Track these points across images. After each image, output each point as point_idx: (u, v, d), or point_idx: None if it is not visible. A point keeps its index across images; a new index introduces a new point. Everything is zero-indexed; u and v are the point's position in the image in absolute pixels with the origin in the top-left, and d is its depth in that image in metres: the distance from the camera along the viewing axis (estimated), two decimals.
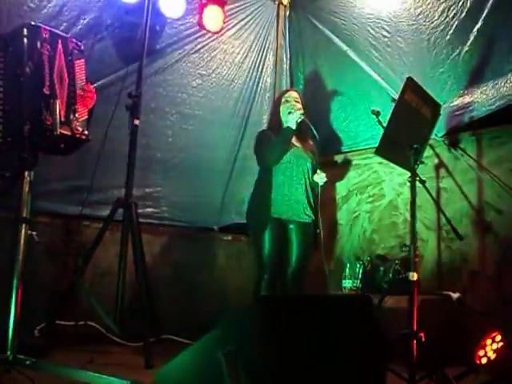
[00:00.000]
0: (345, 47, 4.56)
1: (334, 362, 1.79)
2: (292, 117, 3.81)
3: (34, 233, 2.65)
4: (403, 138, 2.96)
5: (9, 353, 2.47)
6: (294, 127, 3.80)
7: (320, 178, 3.83)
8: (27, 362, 2.50)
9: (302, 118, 3.81)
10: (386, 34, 4.30)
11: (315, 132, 3.83)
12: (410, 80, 2.92)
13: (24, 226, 2.60)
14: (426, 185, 3.08)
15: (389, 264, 3.82)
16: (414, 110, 3.00)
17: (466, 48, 3.87)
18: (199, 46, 4.65)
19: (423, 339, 2.86)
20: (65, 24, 3.92)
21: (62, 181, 3.97)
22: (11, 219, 2.71)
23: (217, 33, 4.57)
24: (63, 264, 3.82)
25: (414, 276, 2.95)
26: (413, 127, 3.05)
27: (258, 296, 1.74)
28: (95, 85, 3.95)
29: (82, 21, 3.99)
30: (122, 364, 3.19)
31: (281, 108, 3.94)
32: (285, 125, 3.84)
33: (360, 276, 4.02)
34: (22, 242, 2.59)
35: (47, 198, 3.87)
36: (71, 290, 3.54)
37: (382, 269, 3.86)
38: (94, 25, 4.05)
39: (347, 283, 4.09)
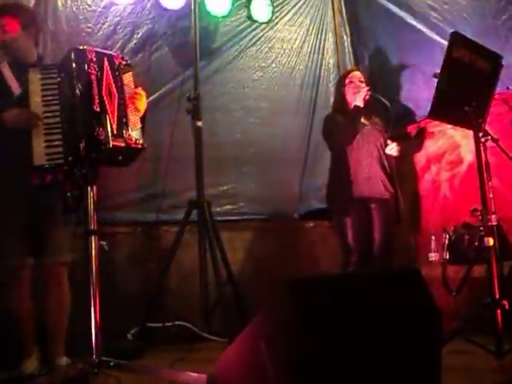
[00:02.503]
0: (403, 14, 4.39)
1: (382, 343, 1.72)
2: (359, 95, 3.78)
3: (104, 243, 2.81)
4: (460, 97, 2.82)
5: (94, 356, 2.63)
6: (361, 105, 3.77)
7: (391, 149, 3.78)
8: (111, 364, 2.65)
9: (368, 95, 3.77)
10: None
11: (387, 102, 3.78)
12: (455, 35, 2.77)
13: (93, 237, 2.75)
14: (504, 143, 2.91)
15: (473, 232, 3.63)
16: (467, 66, 2.84)
17: None
18: (255, 39, 4.68)
19: (507, 307, 2.72)
20: (121, 41, 4.13)
21: (138, 190, 4.16)
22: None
23: (269, 23, 4.56)
24: (147, 270, 3.98)
25: (489, 241, 2.81)
26: (469, 84, 2.88)
27: (288, 279, 1.70)
28: (158, 93, 4.20)
29: (136, 35, 4.18)
30: (211, 359, 3.27)
31: (346, 89, 3.92)
32: (352, 104, 3.80)
33: (446, 247, 3.85)
34: (94, 253, 2.73)
35: (125, 209, 4.08)
36: (158, 293, 3.72)
37: (467, 237, 3.68)
38: (148, 37, 4.22)
39: (434, 256, 3.95)
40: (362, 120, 3.86)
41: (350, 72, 4.06)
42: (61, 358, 2.97)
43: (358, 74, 3.97)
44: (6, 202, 2.88)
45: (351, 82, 3.90)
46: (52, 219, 2.93)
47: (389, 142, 3.83)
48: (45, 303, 2.99)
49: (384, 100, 3.79)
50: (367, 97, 3.78)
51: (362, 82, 3.88)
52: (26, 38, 3.02)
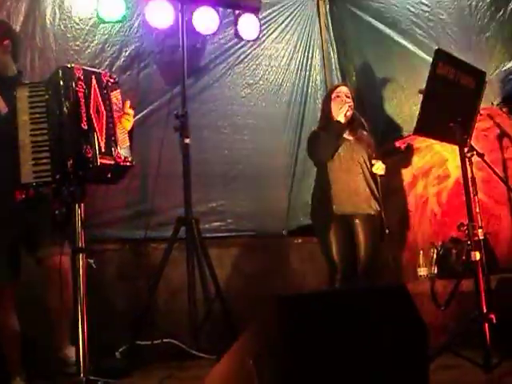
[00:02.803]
0: (388, 30, 4.47)
1: (370, 359, 1.72)
2: (341, 111, 3.78)
3: (92, 260, 2.80)
4: (445, 114, 2.85)
5: (82, 375, 2.60)
6: (342, 121, 3.77)
7: (377, 168, 3.77)
8: (99, 383, 2.63)
9: (350, 111, 3.78)
10: (425, 8, 4.19)
11: (365, 124, 3.83)
12: (439, 52, 2.81)
13: (81, 255, 2.73)
14: (490, 157, 2.94)
15: (461, 246, 3.65)
16: (451, 82, 2.87)
17: (511, 6, 3.66)
18: (242, 57, 4.73)
19: (494, 321, 2.72)
20: (109, 59, 4.16)
21: (126, 208, 4.17)
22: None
23: (256, 40, 4.60)
24: (136, 287, 3.97)
25: (476, 256, 2.83)
26: (454, 100, 2.92)
27: (276, 296, 1.70)
28: (146, 111, 4.21)
29: (124, 53, 4.21)
30: (200, 377, 3.25)
31: (332, 104, 3.91)
32: (335, 119, 3.81)
33: (434, 262, 3.88)
34: (81, 270, 2.71)
35: (114, 226, 4.09)
36: (146, 310, 3.69)
37: (454, 252, 3.71)
38: (136, 55, 4.26)
39: (422, 271, 3.97)
40: (346, 135, 3.87)
41: (337, 87, 4.06)
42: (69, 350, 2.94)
43: (344, 89, 3.96)
44: None
45: (338, 96, 3.90)
46: (39, 234, 2.93)
47: (374, 161, 3.80)
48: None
49: (362, 119, 3.82)
50: (348, 113, 3.78)
51: (348, 97, 3.89)
52: (2, 52, 3.03)
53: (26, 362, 2.99)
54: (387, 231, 3.79)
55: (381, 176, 3.85)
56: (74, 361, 2.65)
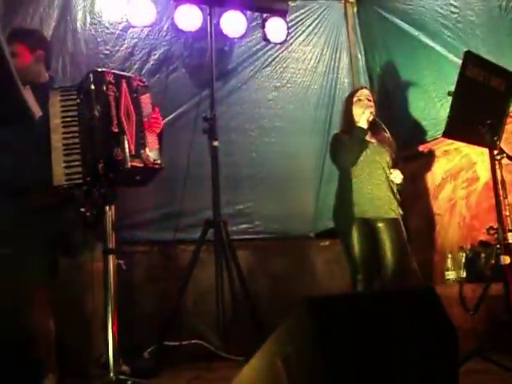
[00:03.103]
0: (416, 32, 4.43)
1: (399, 362, 1.72)
2: (363, 116, 3.77)
3: (122, 261, 2.83)
4: (474, 116, 2.83)
5: (111, 374, 2.65)
6: (365, 126, 3.76)
7: (395, 177, 3.78)
8: (128, 383, 2.67)
9: (372, 116, 3.78)
10: (454, 9, 4.13)
11: (386, 130, 3.83)
12: (469, 54, 2.79)
13: (111, 256, 2.78)
14: None
15: (490, 250, 3.62)
16: (481, 84, 2.86)
17: None
18: (270, 59, 4.75)
19: None
20: (138, 63, 4.22)
21: (155, 210, 4.23)
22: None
23: (283, 43, 4.62)
24: (165, 288, 4.01)
25: (505, 259, 2.80)
26: (484, 102, 2.90)
27: (306, 298, 1.71)
28: (174, 114, 4.26)
29: (153, 56, 4.28)
30: (227, 378, 3.27)
31: (353, 107, 3.90)
32: (357, 124, 3.79)
33: (463, 266, 3.84)
34: (112, 271, 2.76)
35: (143, 228, 4.15)
36: (175, 312, 3.74)
37: (483, 256, 3.67)
38: (165, 58, 4.31)
39: (450, 275, 3.94)
40: (369, 138, 3.85)
41: (357, 90, 4.03)
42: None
43: (366, 91, 3.94)
44: (27, 217, 2.96)
45: (359, 100, 3.88)
46: (75, 236, 2.99)
47: (391, 170, 3.80)
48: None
49: (383, 125, 3.82)
50: (370, 118, 3.77)
51: (369, 100, 3.87)
52: (36, 61, 3.11)
53: (59, 361, 3.05)
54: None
55: (399, 184, 3.83)
56: (106, 361, 2.70)
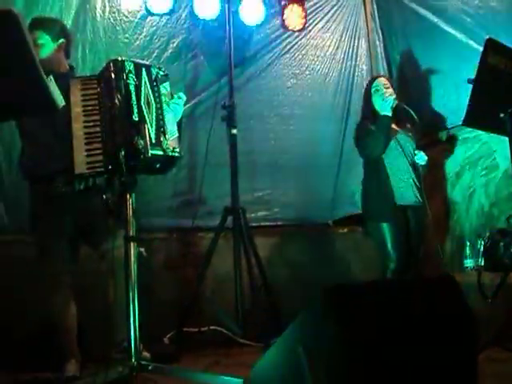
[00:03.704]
0: (435, 18, 4.38)
1: (418, 350, 1.74)
2: (386, 104, 3.76)
3: (143, 249, 2.87)
4: (494, 104, 2.81)
5: (133, 359, 2.69)
6: (390, 114, 3.75)
7: (419, 158, 3.78)
8: (149, 367, 2.72)
9: (396, 102, 3.76)
10: None
11: (413, 113, 3.76)
12: (490, 41, 2.75)
13: (132, 244, 2.82)
14: None
15: (509, 238, 3.60)
16: (502, 72, 2.82)
17: None
18: (288, 47, 4.73)
19: None
20: (157, 51, 4.23)
21: (174, 197, 4.26)
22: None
23: (301, 30, 4.60)
24: (183, 275, 4.05)
25: None
26: (505, 90, 2.86)
27: (327, 286, 1.73)
28: (193, 102, 4.28)
29: (172, 44, 4.28)
30: (245, 364, 3.31)
31: (373, 98, 3.90)
32: (381, 113, 3.78)
33: (481, 254, 3.83)
34: (133, 258, 2.80)
35: (162, 215, 4.17)
36: (194, 299, 3.78)
37: (502, 244, 3.65)
38: (183, 46, 4.32)
39: (469, 263, 3.93)
40: (394, 126, 3.85)
41: (374, 79, 4.02)
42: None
43: (383, 80, 3.93)
44: (49, 205, 3.01)
45: (377, 90, 3.87)
46: (98, 224, 3.03)
47: (416, 151, 3.82)
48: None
49: (411, 111, 3.78)
50: (394, 105, 3.75)
51: (388, 87, 3.85)
52: (58, 51, 3.14)
53: (81, 347, 3.11)
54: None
55: (424, 166, 3.84)
56: (127, 347, 2.74)
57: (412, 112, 3.76)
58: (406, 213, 3.79)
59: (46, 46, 3.09)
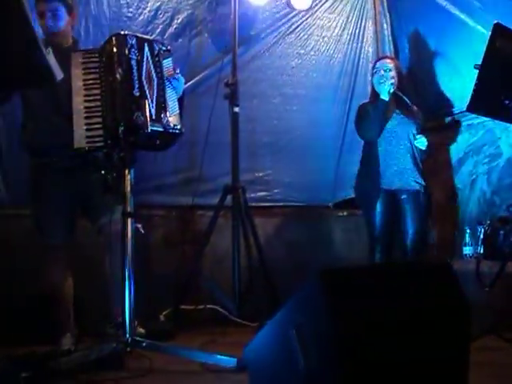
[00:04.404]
0: (443, 2, 4.30)
1: (411, 335, 1.73)
2: (384, 88, 3.76)
3: (140, 225, 2.87)
4: (500, 90, 2.77)
5: (128, 335, 2.70)
6: (386, 99, 3.75)
7: (419, 142, 3.77)
8: (143, 344, 2.73)
9: (391, 87, 3.74)
10: None
11: (407, 100, 3.80)
12: (498, 26, 2.71)
13: (129, 220, 2.81)
14: None
15: (509, 227, 3.58)
16: (509, 57, 2.78)
17: None
18: (294, 26, 4.65)
19: None
20: (161, 26, 4.18)
21: (174, 174, 4.23)
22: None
23: (307, 10, 4.53)
24: (182, 253, 4.05)
25: None
26: (511, 76, 2.83)
27: (321, 268, 1.72)
28: (196, 79, 4.24)
29: (176, 20, 4.22)
30: (241, 343, 3.31)
31: (373, 78, 3.91)
32: (380, 96, 3.78)
33: (481, 242, 3.82)
34: (130, 234, 2.79)
35: (161, 192, 4.16)
36: (191, 277, 3.78)
37: (502, 232, 3.64)
38: (187, 22, 4.27)
39: (468, 250, 3.92)
40: (394, 108, 3.85)
41: (377, 60, 4.03)
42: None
43: (386, 63, 3.90)
44: (47, 178, 3.00)
45: (377, 72, 3.88)
46: (95, 199, 3.01)
47: (417, 136, 3.80)
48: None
49: (405, 98, 3.78)
50: (391, 90, 3.75)
51: (388, 71, 3.83)
52: (69, 23, 3.12)
53: (77, 321, 3.12)
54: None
55: (424, 151, 3.84)
56: (121, 322, 2.75)
57: (406, 99, 3.77)
58: (399, 197, 3.80)
59: (63, 18, 3.06)
